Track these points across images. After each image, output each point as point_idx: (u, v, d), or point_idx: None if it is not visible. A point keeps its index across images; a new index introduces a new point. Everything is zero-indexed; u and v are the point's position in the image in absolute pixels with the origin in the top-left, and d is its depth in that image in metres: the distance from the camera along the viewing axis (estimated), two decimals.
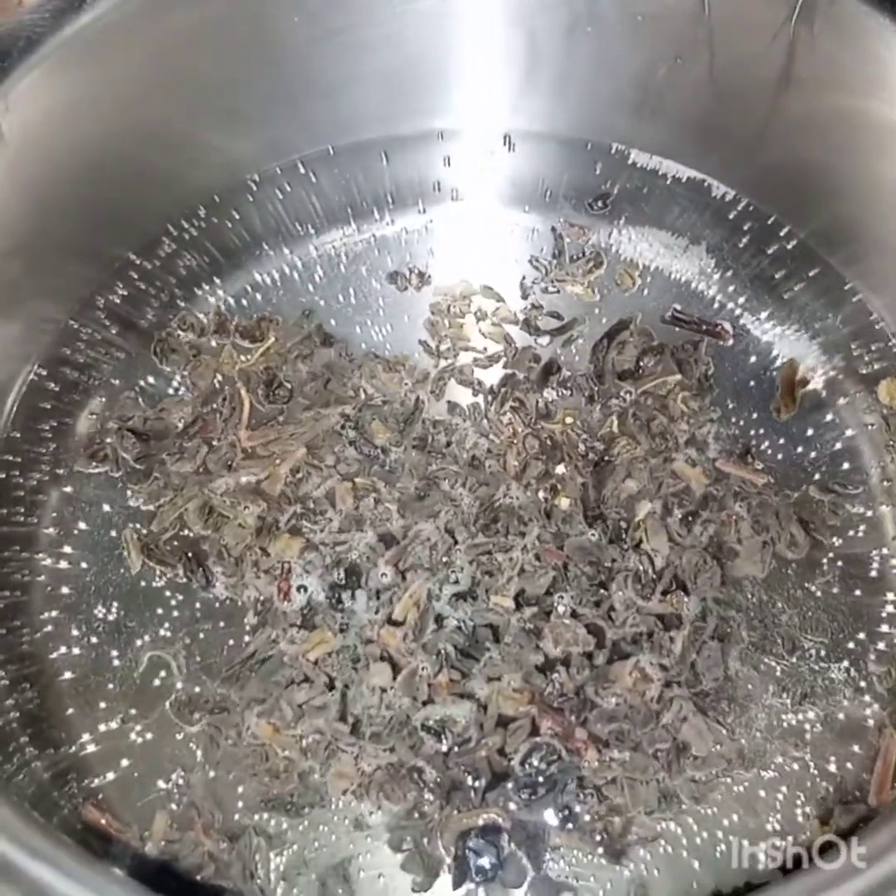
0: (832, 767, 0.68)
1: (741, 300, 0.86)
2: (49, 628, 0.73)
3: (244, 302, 0.87)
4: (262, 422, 0.81)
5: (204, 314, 0.85)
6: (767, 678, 0.71)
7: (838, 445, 0.80)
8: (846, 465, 0.79)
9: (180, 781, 0.68)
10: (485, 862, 0.64)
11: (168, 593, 0.74)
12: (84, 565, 0.75)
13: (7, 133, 0.69)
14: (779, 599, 0.74)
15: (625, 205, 0.90)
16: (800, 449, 0.79)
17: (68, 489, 0.78)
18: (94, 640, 0.73)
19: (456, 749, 0.67)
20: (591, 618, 0.71)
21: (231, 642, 0.72)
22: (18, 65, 0.69)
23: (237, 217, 0.89)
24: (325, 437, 0.79)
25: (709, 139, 0.88)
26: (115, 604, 0.74)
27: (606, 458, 0.78)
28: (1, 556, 0.74)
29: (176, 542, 0.76)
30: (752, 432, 0.80)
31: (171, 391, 0.83)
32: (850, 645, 0.72)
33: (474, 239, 0.90)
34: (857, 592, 0.74)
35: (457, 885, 0.64)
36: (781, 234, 0.88)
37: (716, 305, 0.86)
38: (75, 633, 0.73)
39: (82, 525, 0.77)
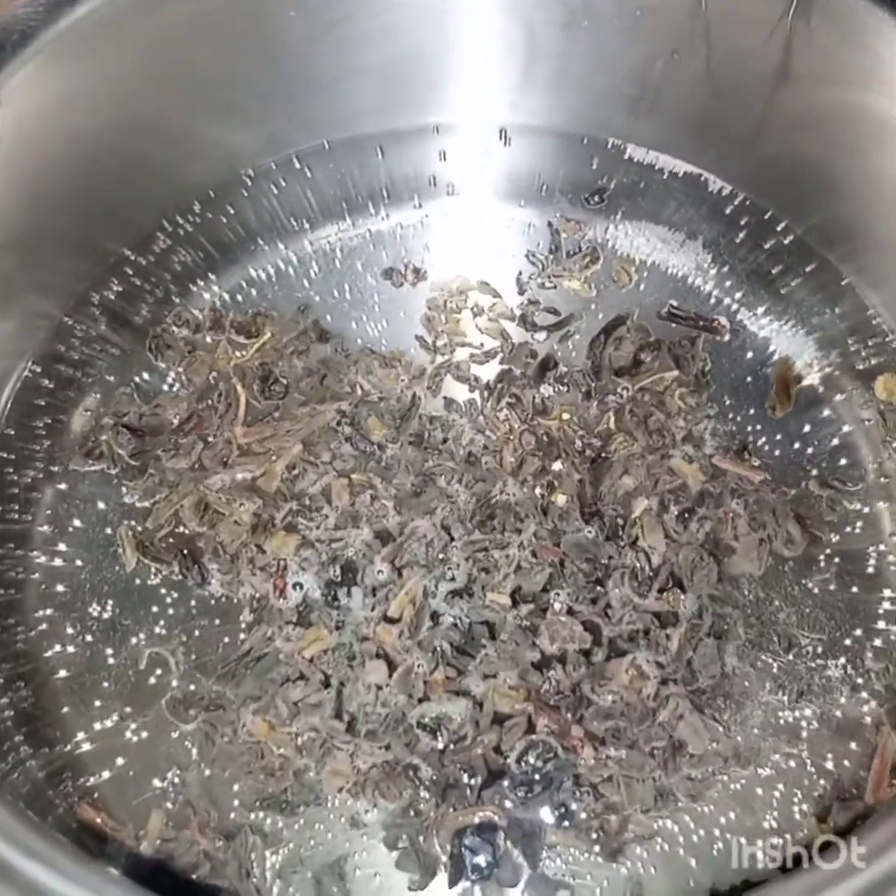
0: (829, 765, 0.68)
1: (738, 295, 0.86)
2: (43, 626, 0.73)
3: (239, 297, 0.86)
4: (258, 418, 0.80)
5: (199, 310, 0.85)
6: (764, 675, 0.71)
7: (835, 441, 0.79)
8: (843, 462, 0.79)
9: (176, 780, 0.68)
10: (481, 860, 0.63)
11: (163, 591, 0.74)
12: (79, 563, 0.75)
13: (1, 127, 0.69)
14: (775, 596, 0.73)
15: (621, 200, 0.90)
16: (797, 445, 0.79)
17: (63, 486, 0.78)
18: (88, 637, 0.72)
19: (452, 747, 0.67)
20: (587, 615, 0.71)
21: (227, 640, 0.72)
22: (12, 58, 0.69)
23: (232, 212, 0.89)
24: (320, 434, 0.79)
25: (706, 134, 0.87)
26: (110, 601, 0.73)
27: (603, 454, 0.78)
28: None
29: (171, 539, 0.76)
30: (749, 428, 0.80)
31: (166, 387, 0.82)
32: (847, 642, 0.72)
33: (470, 234, 0.89)
34: (854, 589, 0.74)
35: (453, 883, 0.64)
36: (778, 229, 0.87)
37: (712, 301, 0.86)
38: (70, 630, 0.72)
39: (77, 522, 0.76)
